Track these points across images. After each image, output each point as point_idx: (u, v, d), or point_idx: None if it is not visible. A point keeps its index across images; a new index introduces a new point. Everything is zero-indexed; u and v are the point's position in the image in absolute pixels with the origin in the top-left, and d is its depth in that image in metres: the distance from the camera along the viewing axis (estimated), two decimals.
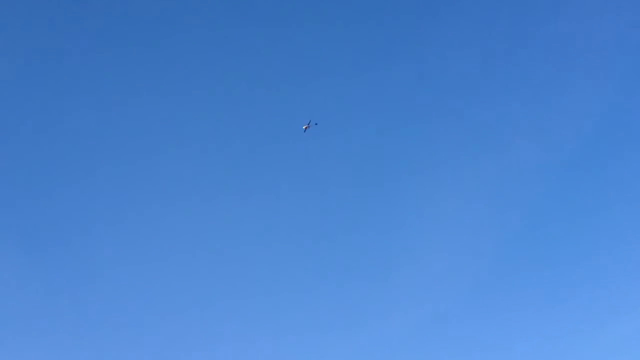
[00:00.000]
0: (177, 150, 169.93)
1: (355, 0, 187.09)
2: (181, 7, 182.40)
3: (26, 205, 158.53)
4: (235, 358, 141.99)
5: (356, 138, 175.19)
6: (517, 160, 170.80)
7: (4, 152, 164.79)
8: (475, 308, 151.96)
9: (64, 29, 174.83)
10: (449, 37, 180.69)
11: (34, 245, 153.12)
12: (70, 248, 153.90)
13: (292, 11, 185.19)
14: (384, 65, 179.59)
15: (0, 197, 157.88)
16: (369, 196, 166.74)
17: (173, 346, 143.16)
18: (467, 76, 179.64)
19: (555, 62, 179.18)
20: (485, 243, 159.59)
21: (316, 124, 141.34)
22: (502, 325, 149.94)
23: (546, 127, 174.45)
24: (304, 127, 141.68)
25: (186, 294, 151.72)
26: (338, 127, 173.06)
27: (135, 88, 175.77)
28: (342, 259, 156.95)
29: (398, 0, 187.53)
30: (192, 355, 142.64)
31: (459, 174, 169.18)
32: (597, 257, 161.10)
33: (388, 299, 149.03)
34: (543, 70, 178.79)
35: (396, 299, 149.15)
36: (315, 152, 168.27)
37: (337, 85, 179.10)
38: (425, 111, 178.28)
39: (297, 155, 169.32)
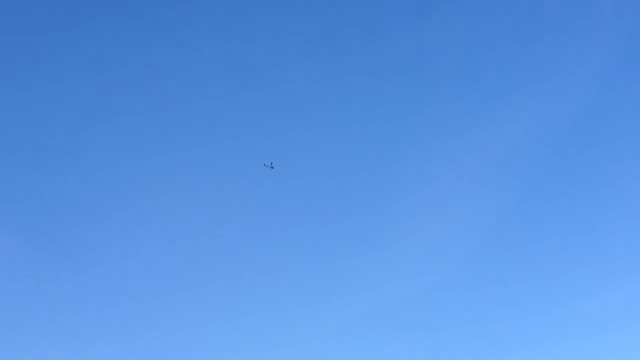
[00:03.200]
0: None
1: None
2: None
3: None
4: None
5: (352, 116, 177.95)
6: (514, 135, 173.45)
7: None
8: (468, 280, 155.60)
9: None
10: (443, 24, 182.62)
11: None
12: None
13: None
14: (376, 42, 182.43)
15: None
16: (368, 173, 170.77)
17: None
18: (462, 55, 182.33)
19: (552, 34, 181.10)
20: (481, 216, 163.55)
21: (272, 167, 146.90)
22: (495, 297, 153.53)
23: (543, 101, 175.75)
24: (269, 166, 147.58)
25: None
26: (334, 107, 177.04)
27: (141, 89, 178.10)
28: (340, 231, 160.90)
29: None
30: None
31: (456, 149, 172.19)
32: (594, 231, 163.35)
33: (385, 269, 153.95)
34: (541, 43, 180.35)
35: (393, 269, 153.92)
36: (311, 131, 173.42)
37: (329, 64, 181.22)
38: (421, 90, 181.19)
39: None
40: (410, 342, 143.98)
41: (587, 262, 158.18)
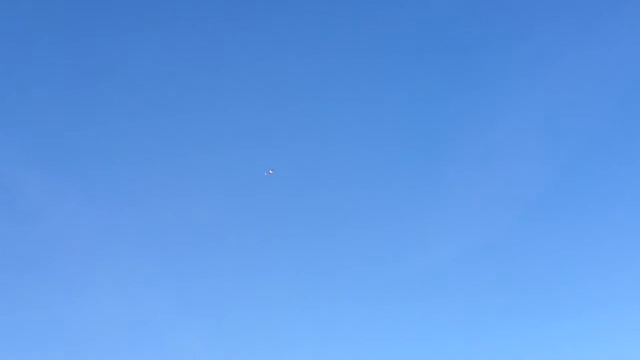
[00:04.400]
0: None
1: None
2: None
3: None
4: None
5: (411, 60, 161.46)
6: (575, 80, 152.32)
7: None
8: (521, 241, 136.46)
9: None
10: None
11: None
12: None
13: None
14: None
15: None
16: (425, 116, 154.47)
17: None
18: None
19: None
20: (538, 169, 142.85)
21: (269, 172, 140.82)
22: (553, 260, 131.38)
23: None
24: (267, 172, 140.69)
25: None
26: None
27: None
28: (387, 195, 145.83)
29: None
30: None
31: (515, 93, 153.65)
32: None
33: (433, 229, 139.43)
34: None
35: (441, 229, 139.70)
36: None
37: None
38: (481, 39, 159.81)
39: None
40: (456, 305, 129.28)
41: None
